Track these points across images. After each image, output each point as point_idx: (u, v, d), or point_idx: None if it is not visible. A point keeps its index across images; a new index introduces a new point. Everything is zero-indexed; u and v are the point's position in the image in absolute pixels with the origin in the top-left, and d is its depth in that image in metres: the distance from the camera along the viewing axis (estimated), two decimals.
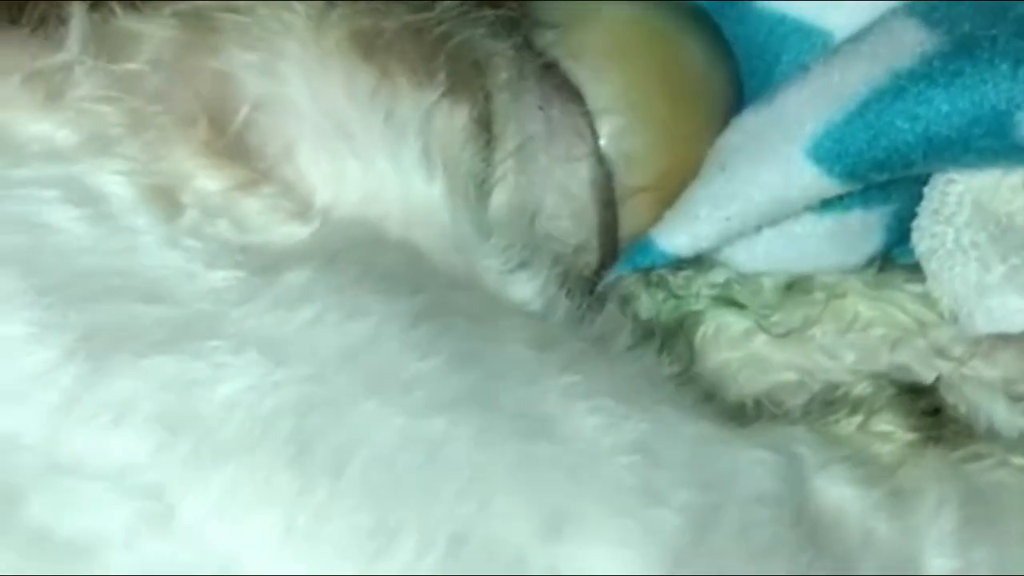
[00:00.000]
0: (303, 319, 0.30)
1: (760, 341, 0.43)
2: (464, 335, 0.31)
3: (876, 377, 0.41)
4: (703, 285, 0.43)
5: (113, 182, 0.31)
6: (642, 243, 0.42)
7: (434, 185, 0.35)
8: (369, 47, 0.35)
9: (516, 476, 0.29)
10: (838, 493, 0.34)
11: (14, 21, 0.34)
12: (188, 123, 0.33)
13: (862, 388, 0.40)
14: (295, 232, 0.32)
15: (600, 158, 0.39)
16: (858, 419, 0.38)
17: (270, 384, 0.28)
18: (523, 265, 0.36)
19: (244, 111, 0.33)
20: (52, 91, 0.32)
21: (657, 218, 0.41)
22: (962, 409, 0.41)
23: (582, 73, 0.40)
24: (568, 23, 0.41)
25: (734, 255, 0.43)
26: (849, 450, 0.36)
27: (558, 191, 0.39)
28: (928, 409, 0.39)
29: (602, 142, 0.40)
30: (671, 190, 0.41)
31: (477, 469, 0.29)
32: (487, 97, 0.37)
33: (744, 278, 0.43)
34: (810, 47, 0.43)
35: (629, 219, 0.41)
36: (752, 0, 0.44)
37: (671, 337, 0.41)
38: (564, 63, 0.40)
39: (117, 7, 0.34)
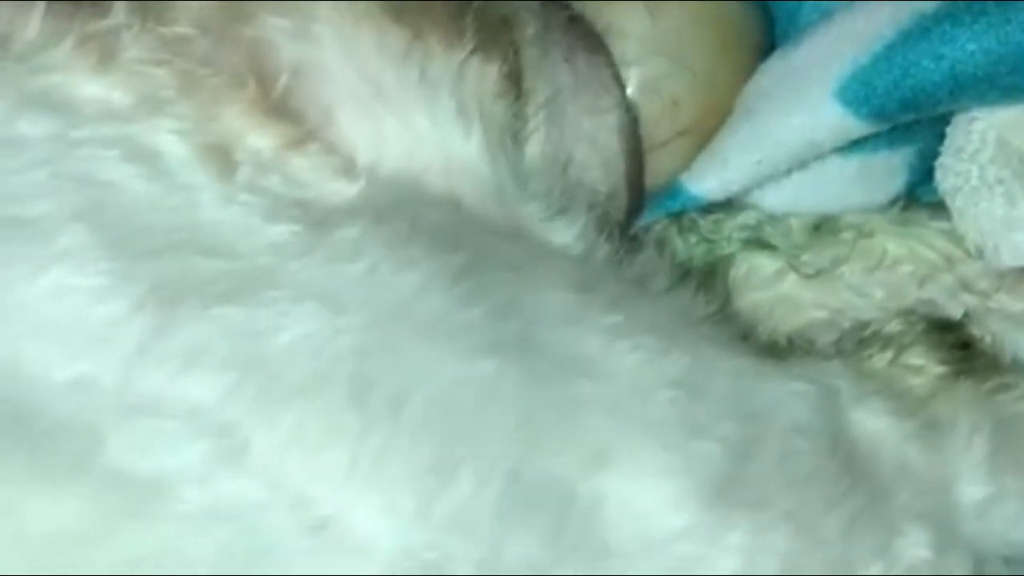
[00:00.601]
0: (357, 272, 0.31)
1: (790, 281, 0.44)
2: (507, 284, 0.33)
3: (905, 313, 0.42)
4: (733, 228, 0.44)
5: (168, 141, 0.32)
6: (672, 188, 0.43)
7: (471, 139, 0.36)
8: (399, 8, 0.36)
9: (563, 414, 0.30)
10: (873, 424, 0.35)
11: None
12: (237, 84, 0.34)
13: (892, 325, 0.41)
14: (343, 189, 0.33)
15: (626, 108, 0.40)
16: (889, 354, 0.39)
17: (329, 332, 0.30)
18: (562, 211, 0.37)
19: (284, 77, 0.34)
20: (104, 54, 0.33)
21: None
22: (989, 341, 0.42)
23: (620, 18, 0.40)
24: None
25: (763, 198, 0.44)
26: (882, 383, 0.37)
27: (587, 141, 0.39)
28: (957, 343, 0.40)
29: (635, 89, 0.40)
30: (710, 134, 0.42)
31: (525, 408, 0.30)
32: (516, 52, 0.38)
33: (773, 220, 0.44)
34: None
35: (669, 161, 0.41)
36: None
37: (706, 279, 0.42)
38: (601, 11, 0.40)
39: None
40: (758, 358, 0.35)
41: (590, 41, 0.40)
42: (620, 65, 0.40)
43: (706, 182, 0.42)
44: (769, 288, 0.44)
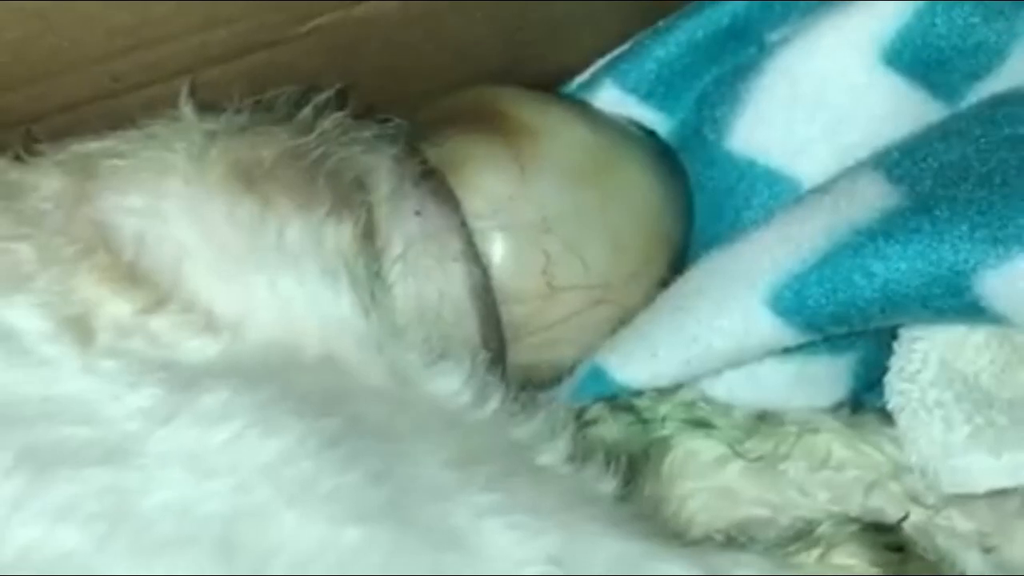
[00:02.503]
0: (223, 437, 0.32)
1: (732, 471, 0.42)
2: (380, 453, 0.33)
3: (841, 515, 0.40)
4: (671, 408, 0.43)
5: (26, 316, 0.34)
6: (594, 371, 0.42)
7: (341, 297, 0.37)
8: (250, 177, 0.37)
9: None
10: None
11: None
12: (89, 253, 0.35)
13: (827, 524, 0.39)
14: (205, 346, 0.35)
15: (474, 257, 0.40)
16: (817, 551, 0.38)
17: (195, 496, 0.31)
18: (443, 356, 0.37)
19: (130, 247, 0.36)
20: None
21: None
22: (932, 557, 0.40)
23: (486, 177, 0.41)
24: (533, 131, 0.42)
25: (696, 384, 0.43)
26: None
27: (437, 292, 0.40)
28: (891, 545, 0.39)
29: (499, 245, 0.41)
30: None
31: None
32: (368, 211, 0.39)
33: (713, 400, 0.43)
34: (778, 193, 0.44)
35: (549, 317, 0.41)
36: (723, 144, 0.44)
37: (639, 462, 0.41)
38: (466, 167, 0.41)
39: (2, 161, 0.37)
40: (657, 541, 0.34)
41: (441, 194, 0.41)
42: (481, 219, 0.41)
43: (635, 372, 0.42)
44: (709, 478, 0.43)
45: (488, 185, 0.41)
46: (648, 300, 0.43)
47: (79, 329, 0.34)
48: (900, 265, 0.38)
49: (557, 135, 0.43)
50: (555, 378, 0.43)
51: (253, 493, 0.31)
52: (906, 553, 0.39)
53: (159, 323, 0.35)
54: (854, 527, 0.39)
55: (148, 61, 0.40)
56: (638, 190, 0.43)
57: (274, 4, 0.40)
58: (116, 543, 0.29)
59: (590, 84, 0.48)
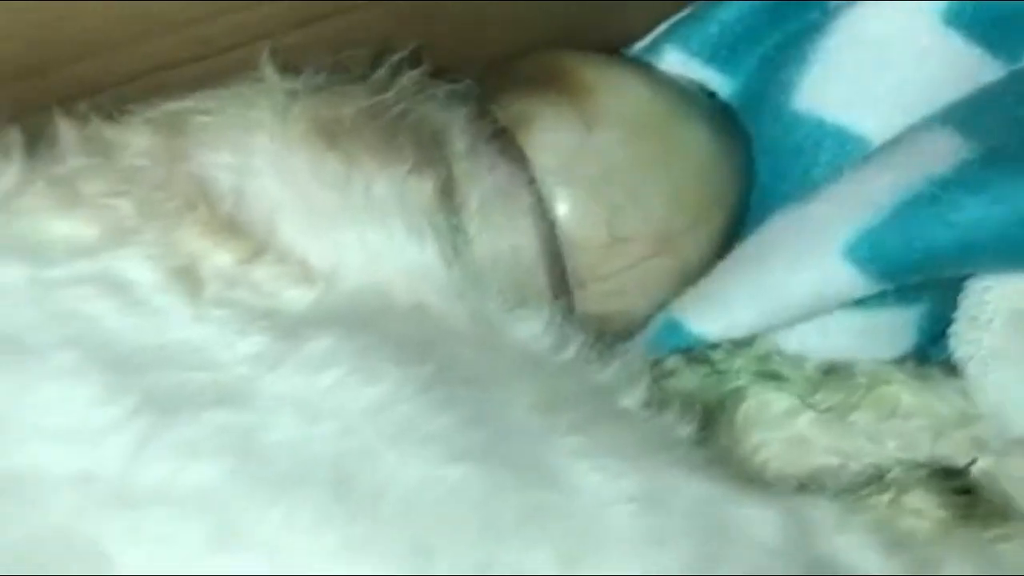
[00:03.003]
0: (327, 383, 0.33)
1: (803, 421, 0.43)
2: (472, 398, 0.34)
3: (910, 461, 0.42)
4: (745, 359, 0.44)
5: (137, 268, 0.35)
6: (670, 323, 0.43)
7: (426, 249, 0.38)
8: (332, 134, 0.39)
9: (527, 519, 0.32)
10: (859, 556, 0.35)
11: None
12: (189, 207, 0.36)
13: (896, 470, 0.41)
14: (302, 296, 0.36)
15: (542, 212, 0.42)
16: (888, 496, 0.39)
17: (306, 437, 0.32)
18: (521, 303, 0.38)
19: (229, 199, 0.37)
20: (68, 193, 0.36)
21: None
22: (999, 500, 0.41)
23: (551, 133, 0.42)
24: (595, 89, 0.43)
25: (769, 336, 0.44)
26: (875, 519, 0.37)
27: (510, 244, 0.41)
28: (960, 489, 0.40)
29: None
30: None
31: (491, 512, 0.32)
32: (448, 167, 0.40)
33: (785, 353, 0.44)
34: (847, 151, 0.45)
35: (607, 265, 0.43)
36: (790, 104, 0.45)
37: (714, 411, 0.42)
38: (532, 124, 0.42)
39: (95, 119, 0.38)
40: (733, 484, 0.35)
41: (511, 152, 0.42)
42: (548, 174, 0.42)
43: (711, 324, 0.42)
44: (781, 428, 0.44)
45: (554, 141, 0.42)
46: (705, 254, 0.44)
47: (188, 280, 0.35)
48: (975, 214, 0.39)
49: (618, 92, 0.44)
50: (627, 329, 0.44)
51: (358, 435, 0.32)
52: (973, 496, 0.40)
53: (259, 273, 0.36)
54: (923, 472, 0.41)
55: (233, 24, 0.41)
56: (697, 145, 0.44)
57: None
58: (242, 477, 0.30)
59: (652, 48, 0.49)
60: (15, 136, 0.37)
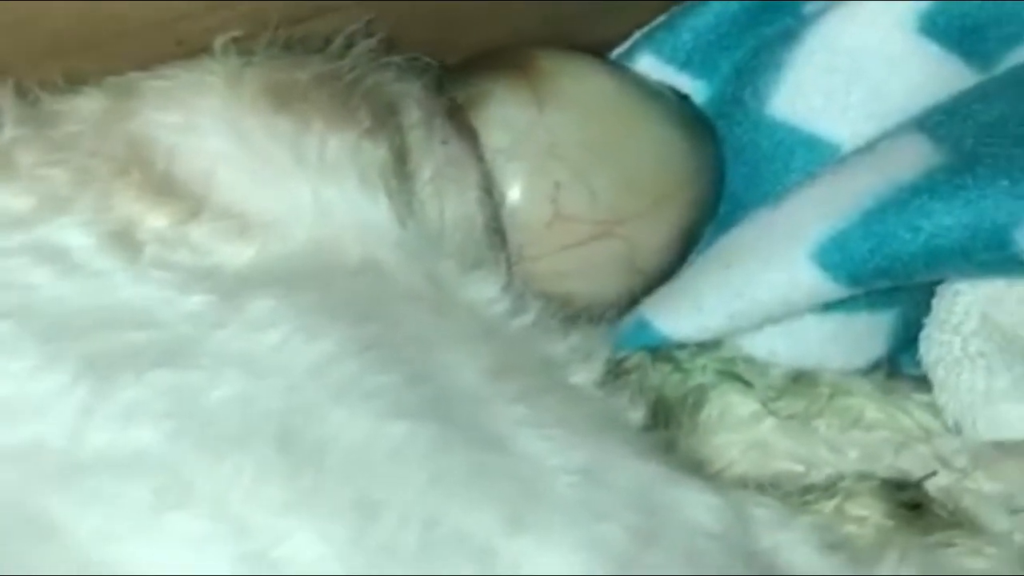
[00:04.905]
0: (272, 341, 0.33)
1: (765, 426, 0.43)
2: (418, 357, 0.34)
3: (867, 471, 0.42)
4: (710, 360, 0.44)
5: (74, 235, 0.35)
6: (639, 322, 0.43)
7: (379, 205, 0.38)
8: (285, 97, 0.39)
9: (473, 478, 0.32)
10: (798, 552, 0.35)
11: None
12: (122, 172, 0.36)
13: (848, 478, 0.41)
14: (241, 251, 0.36)
15: (487, 190, 0.42)
16: (835, 501, 0.39)
17: (252, 393, 0.32)
18: (477, 264, 0.39)
19: (161, 160, 0.37)
20: (4, 164, 0.36)
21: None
22: (951, 518, 0.41)
23: (506, 108, 0.43)
24: (556, 73, 0.44)
25: (739, 342, 0.44)
26: (816, 520, 0.38)
27: (458, 214, 0.41)
28: (909, 503, 0.40)
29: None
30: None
31: (436, 469, 0.32)
32: (401, 135, 0.41)
33: (750, 358, 0.44)
34: (818, 158, 0.45)
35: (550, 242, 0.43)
36: (764, 110, 0.46)
37: (675, 409, 0.43)
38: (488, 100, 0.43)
39: (41, 93, 0.38)
40: (676, 468, 0.35)
41: (465, 129, 0.43)
42: (499, 151, 0.42)
43: (680, 325, 0.43)
44: (744, 431, 0.44)
45: (506, 117, 0.43)
46: (657, 245, 0.44)
47: (125, 243, 0.35)
48: (944, 220, 0.39)
49: (575, 77, 0.44)
50: (580, 311, 0.44)
51: (303, 392, 0.32)
52: (922, 510, 0.40)
53: (197, 232, 0.36)
54: (874, 482, 0.41)
55: (209, 25, 0.41)
56: (654, 136, 0.45)
57: None
58: (186, 438, 0.31)
59: (628, 54, 0.49)
60: None
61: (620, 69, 0.47)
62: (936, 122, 0.42)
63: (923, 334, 0.44)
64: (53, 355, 0.31)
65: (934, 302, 0.44)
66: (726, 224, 0.45)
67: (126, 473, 0.30)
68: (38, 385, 0.31)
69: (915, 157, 0.41)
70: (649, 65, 0.48)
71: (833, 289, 0.41)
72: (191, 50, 0.41)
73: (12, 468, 0.30)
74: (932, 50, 0.44)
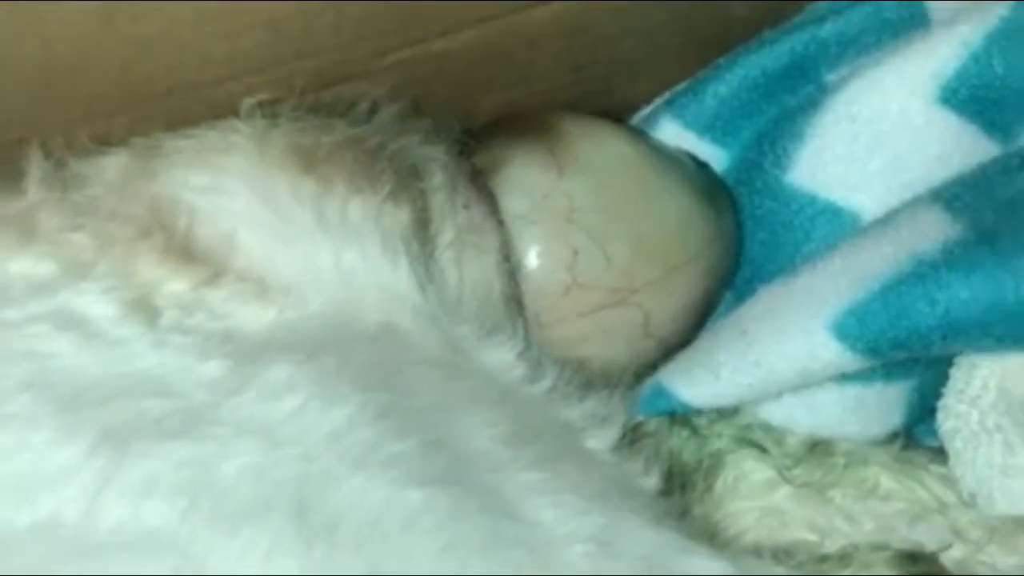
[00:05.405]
0: (288, 408, 0.33)
1: (780, 494, 0.43)
2: (435, 424, 0.35)
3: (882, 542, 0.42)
4: (727, 426, 0.44)
5: (94, 303, 0.35)
6: (657, 388, 0.43)
7: (399, 269, 0.39)
8: (310, 159, 0.39)
9: (487, 548, 0.32)
10: None
11: None
12: (144, 235, 0.37)
13: (864, 548, 0.41)
14: (260, 313, 0.36)
15: (506, 255, 0.43)
16: (849, 571, 0.40)
17: (267, 463, 0.32)
18: (494, 330, 0.39)
19: (183, 220, 0.37)
20: (25, 230, 0.36)
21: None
22: None
23: (522, 172, 0.44)
24: (576, 137, 0.44)
25: (756, 410, 0.44)
26: None
27: (477, 280, 0.42)
28: (923, 574, 0.40)
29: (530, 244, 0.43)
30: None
31: (451, 538, 0.32)
32: (423, 199, 0.41)
33: (768, 425, 0.44)
34: (838, 228, 0.45)
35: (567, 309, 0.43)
36: (785, 179, 0.46)
37: (692, 473, 0.43)
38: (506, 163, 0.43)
39: (68, 155, 0.39)
40: (687, 536, 0.35)
41: (485, 193, 0.43)
42: (518, 215, 0.43)
43: (698, 391, 0.43)
44: (759, 498, 0.44)
45: (525, 182, 0.43)
46: (673, 312, 0.44)
47: (145, 308, 0.35)
48: (962, 294, 0.39)
49: (595, 141, 0.45)
50: (595, 377, 0.44)
51: (319, 460, 0.32)
52: None
53: (216, 295, 0.36)
54: (889, 553, 0.41)
55: (240, 90, 0.42)
56: (671, 203, 0.45)
57: (360, 37, 0.42)
58: (198, 513, 0.31)
59: (650, 119, 0.49)
60: None
61: (639, 135, 0.48)
62: (954, 194, 0.42)
63: (940, 404, 0.44)
64: (70, 426, 0.32)
65: (952, 373, 0.44)
66: (744, 291, 0.46)
67: (141, 553, 0.30)
68: (55, 458, 0.31)
69: (933, 230, 0.41)
70: (671, 130, 0.48)
71: (851, 360, 0.41)
72: (221, 114, 0.42)
73: (31, 547, 0.30)
74: (952, 121, 0.44)
